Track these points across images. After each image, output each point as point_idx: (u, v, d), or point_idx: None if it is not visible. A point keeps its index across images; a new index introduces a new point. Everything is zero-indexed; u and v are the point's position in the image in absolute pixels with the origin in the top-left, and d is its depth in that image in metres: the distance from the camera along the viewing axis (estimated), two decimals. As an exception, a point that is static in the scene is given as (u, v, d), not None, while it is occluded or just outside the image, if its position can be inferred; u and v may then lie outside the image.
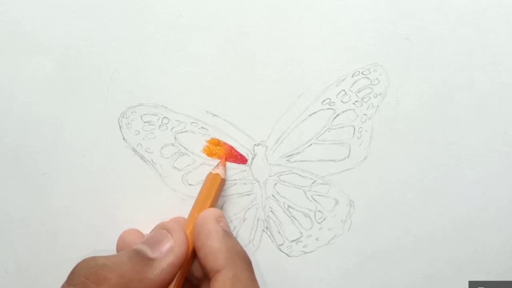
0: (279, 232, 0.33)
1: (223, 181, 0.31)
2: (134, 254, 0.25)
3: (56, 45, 0.31)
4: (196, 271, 0.29)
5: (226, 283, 0.25)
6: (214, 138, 0.32)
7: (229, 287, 0.25)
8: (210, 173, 0.31)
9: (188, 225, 0.28)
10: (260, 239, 0.33)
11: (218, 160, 0.32)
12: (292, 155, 0.32)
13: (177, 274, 0.26)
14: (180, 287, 0.27)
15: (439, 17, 0.31)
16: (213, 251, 0.26)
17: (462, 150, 0.32)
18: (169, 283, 0.25)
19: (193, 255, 0.28)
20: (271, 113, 0.32)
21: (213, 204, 0.30)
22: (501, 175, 0.33)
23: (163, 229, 0.27)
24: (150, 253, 0.25)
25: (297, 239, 0.33)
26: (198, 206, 0.29)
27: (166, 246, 0.26)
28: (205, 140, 0.32)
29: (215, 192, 0.30)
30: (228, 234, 0.27)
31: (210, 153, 0.32)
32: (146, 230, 0.32)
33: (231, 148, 0.32)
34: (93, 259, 0.24)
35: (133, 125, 0.32)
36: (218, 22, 0.31)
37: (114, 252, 0.32)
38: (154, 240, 0.26)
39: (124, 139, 0.32)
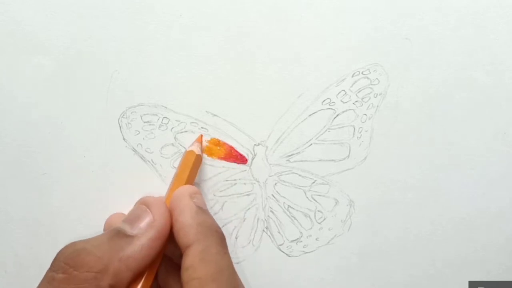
0: (279, 232, 0.33)
1: (198, 158, 0.30)
2: (114, 233, 0.25)
3: (56, 45, 0.31)
4: (177, 250, 0.27)
5: (195, 256, 0.24)
6: (214, 138, 0.32)
7: (198, 260, 0.24)
8: (186, 150, 0.30)
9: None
10: (260, 239, 0.33)
11: (219, 160, 0.32)
12: (292, 155, 0.32)
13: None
14: (157, 264, 0.26)
15: (439, 17, 0.31)
16: (185, 226, 0.25)
17: (462, 150, 0.32)
18: (153, 258, 0.25)
19: (170, 233, 0.27)
20: (271, 113, 0.32)
21: (189, 181, 0.29)
22: (501, 175, 0.33)
23: (142, 204, 0.26)
24: (129, 230, 0.25)
25: (297, 239, 0.33)
26: (174, 184, 0.29)
27: (146, 221, 0.25)
28: (206, 140, 0.32)
29: (190, 169, 0.29)
30: (201, 210, 0.27)
31: (210, 153, 0.32)
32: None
33: (231, 148, 0.32)
34: (73, 244, 0.24)
35: (133, 125, 0.32)
36: (218, 22, 0.31)
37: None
38: (133, 216, 0.26)
39: (124, 139, 0.32)
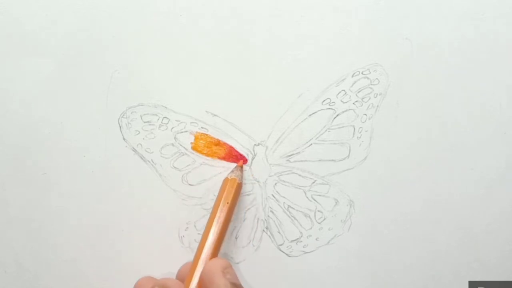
0: (279, 232, 0.33)
1: (239, 186, 0.30)
2: None
3: (56, 45, 0.31)
4: None
5: None
6: (214, 138, 0.32)
7: None
8: (227, 178, 0.31)
9: (195, 266, 0.27)
10: (260, 239, 0.33)
11: (219, 160, 0.32)
12: (292, 155, 0.32)
13: None
14: None
15: (439, 17, 0.31)
16: None
17: (462, 150, 0.32)
18: None
19: None
20: (271, 113, 0.32)
21: (229, 213, 0.29)
22: (501, 175, 0.33)
23: (162, 287, 0.26)
24: None
25: (297, 239, 0.33)
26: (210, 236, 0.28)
27: None
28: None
29: (230, 205, 0.29)
30: (236, 287, 0.26)
31: (210, 153, 0.32)
32: (145, 231, 0.32)
33: (231, 148, 0.32)
34: None
35: (133, 125, 0.32)
36: (218, 22, 0.31)
37: (113, 249, 0.32)
38: None
39: (124, 139, 0.32)
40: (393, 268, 0.33)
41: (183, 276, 0.28)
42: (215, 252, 0.28)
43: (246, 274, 0.33)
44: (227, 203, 0.29)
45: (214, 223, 0.29)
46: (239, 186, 0.31)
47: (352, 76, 0.32)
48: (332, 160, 0.32)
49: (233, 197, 0.30)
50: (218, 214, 0.29)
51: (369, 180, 0.33)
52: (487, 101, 0.32)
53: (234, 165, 0.32)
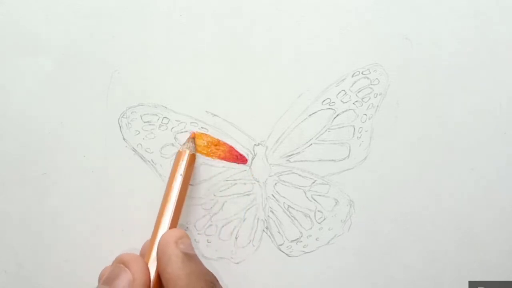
0: (279, 232, 0.33)
1: (192, 157, 0.30)
2: None
3: (56, 45, 0.31)
4: None
5: None
6: (214, 138, 0.32)
7: None
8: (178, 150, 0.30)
9: (153, 241, 0.27)
10: (260, 239, 0.33)
11: (219, 160, 0.32)
12: (292, 155, 0.32)
13: None
14: None
15: (439, 17, 0.31)
16: (173, 277, 0.24)
17: (462, 150, 0.32)
18: None
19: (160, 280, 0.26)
20: (271, 113, 0.32)
21: (185, 183, 0.29)
22: (501, 175, 0.33)
23: (119, 263, 0.25)
24: None
25: (297, 239, 0.33)
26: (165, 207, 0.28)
27: (124, 281, 0.24)
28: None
29: (184, 176, 0.29)
30: (189, 257, 0.25)
31: (210, 153, 0.32)
32: (144, 230, 0.32)
33: (231, 148, 0.32)
34: None
35: (133, 125, 0.32)
36: (218, 22, 0.31)
37: (113, 249, 0.32)
38: (111, 277, 0.25)
39: (124, 139, 0.32)
40: (393, 268, 0.33)
41: (145, 252, 0.28)
42: (172, 226, 0.28)
43: (246, 274, 0.33)
44: (180, 175, 0.29)
45: (169, 196, 0.28)
46: (192, 157, 0.30)
47: (352, 76, 0.32)
48: (332, 160, 0.32)
49: (186, 168, 0.29)
50: (172, 187, 0.29)
51: (369, 180, 0.33)
52: (487, 101, 0.32)
53: (234, 165, 0.32)
